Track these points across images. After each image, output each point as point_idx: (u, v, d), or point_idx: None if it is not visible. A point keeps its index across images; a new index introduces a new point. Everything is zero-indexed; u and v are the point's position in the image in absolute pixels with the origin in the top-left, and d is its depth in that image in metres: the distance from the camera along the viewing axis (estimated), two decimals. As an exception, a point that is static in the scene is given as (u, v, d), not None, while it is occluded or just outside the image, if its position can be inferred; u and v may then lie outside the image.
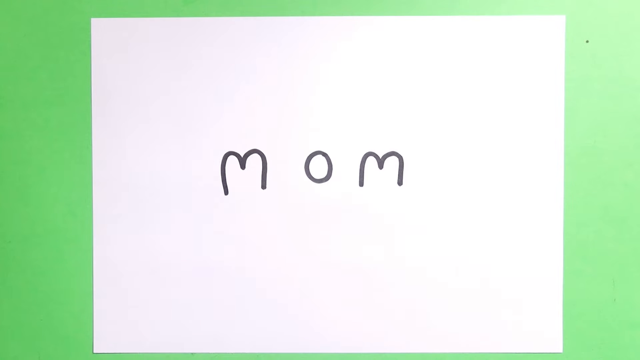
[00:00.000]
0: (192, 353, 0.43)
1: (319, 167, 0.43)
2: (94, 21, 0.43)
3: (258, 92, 0.43)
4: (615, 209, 0.43)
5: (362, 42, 0.43)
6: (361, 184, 0.43)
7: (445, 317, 0.43)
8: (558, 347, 0.43)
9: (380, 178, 0.43)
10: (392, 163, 0.43)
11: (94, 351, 0.43)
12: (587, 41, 0.43)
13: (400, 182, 0.43)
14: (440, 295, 0.43)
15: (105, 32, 0.43)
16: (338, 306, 0.43)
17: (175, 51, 0.43)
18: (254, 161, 0.43)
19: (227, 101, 0.43)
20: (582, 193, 0.43)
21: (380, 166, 0.43)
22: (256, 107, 0.42)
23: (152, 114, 0.43)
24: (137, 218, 0.43)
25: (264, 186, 0.43)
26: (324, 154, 0.43)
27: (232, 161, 0.43)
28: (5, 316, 0.43)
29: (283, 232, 0.43)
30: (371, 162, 0.43)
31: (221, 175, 0.43)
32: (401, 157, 0.43)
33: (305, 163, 0.43)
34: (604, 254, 0.43)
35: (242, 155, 0.43)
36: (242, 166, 0.43)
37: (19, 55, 0.43)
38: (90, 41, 0.43)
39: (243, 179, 0.43)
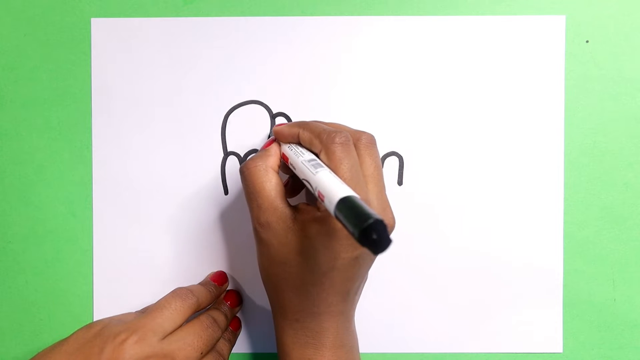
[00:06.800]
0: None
1: (319, 167, 0.43)
2: (94, 21, 0.43)
3: (258, 93, 0.43)
4: (615, 209, 0.43)
5: (361, 42, 0.43)
6: (361, 184, 0.43)
7: (444, 316, 0.43)
8: (558, 347, 0.43)
9: (380, 178, 0.43)
10: (392, 163, 0.43)
11: (94, 351, 0.43)
12: (587, 41, 0.43)
13: (400, 182, 0.43)
14: (440, 295, 0.43)
15: (105, 32, 0.43)
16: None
17: (176, 51, 0.43)
18: (254, 161, 0.43)
19: (227, 101, 0.43)
20: (582, 193, 0.43)
21: (380, 166, 0.43)
22: (256, 107, 0.42)
23: (152, 114, 0.43)
24: (137, 218, 0.43)
25: (264, 186, 0.43)
26: (324, 154, 0.43)
27: (233, 161, 0.43)
28: (5, 316, 0.43)
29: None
30: (371, 162, 0.43)
31: (221, 175, 0.43)
32: (401, 157, 0.43)
33: (306, 163, 0.43)
34: (604, 254, 0.43)
35: (242, 155, 0.43)
36: (242, 166, 0.43)
37: (19, 55, 0.43)
38: (90, 41, 0.43)
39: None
